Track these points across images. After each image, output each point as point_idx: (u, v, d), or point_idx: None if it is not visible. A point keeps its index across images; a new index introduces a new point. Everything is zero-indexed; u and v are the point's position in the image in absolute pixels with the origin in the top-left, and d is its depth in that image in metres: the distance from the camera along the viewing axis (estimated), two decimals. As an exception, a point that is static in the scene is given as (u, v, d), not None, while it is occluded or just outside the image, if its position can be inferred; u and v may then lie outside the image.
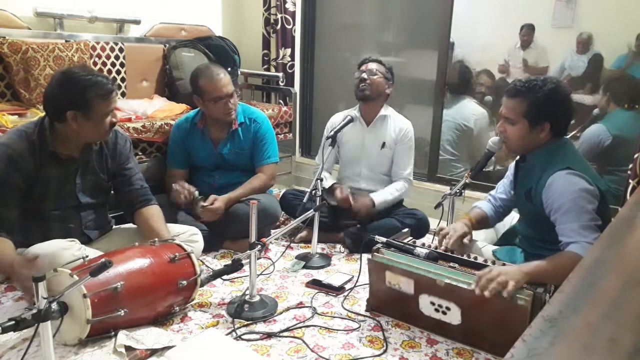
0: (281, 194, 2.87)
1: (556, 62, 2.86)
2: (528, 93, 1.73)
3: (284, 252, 2.47)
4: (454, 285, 1.65)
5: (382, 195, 2.56)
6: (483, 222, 2.05)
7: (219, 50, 3.38)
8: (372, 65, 2.59)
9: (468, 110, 3.18)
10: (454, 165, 3.26)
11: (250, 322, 1.82)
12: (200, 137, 2.58)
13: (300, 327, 1.80)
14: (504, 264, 1.70)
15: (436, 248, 1.86)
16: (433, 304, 1.72)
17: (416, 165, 3.32)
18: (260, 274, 2.22)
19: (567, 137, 1.85)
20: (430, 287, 1.71)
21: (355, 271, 2.16)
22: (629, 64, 2.61)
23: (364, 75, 2.56)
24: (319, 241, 2.47)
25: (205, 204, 2.36)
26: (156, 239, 1.88)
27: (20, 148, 1.79)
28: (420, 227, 2.46)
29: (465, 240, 1.90)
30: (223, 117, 2.51)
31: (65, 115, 1.78)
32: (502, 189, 2.09)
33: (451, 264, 1.74)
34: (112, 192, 2.12)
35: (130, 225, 2.15)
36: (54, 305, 1.37)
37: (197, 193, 2.38)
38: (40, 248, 1.77)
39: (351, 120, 2.48)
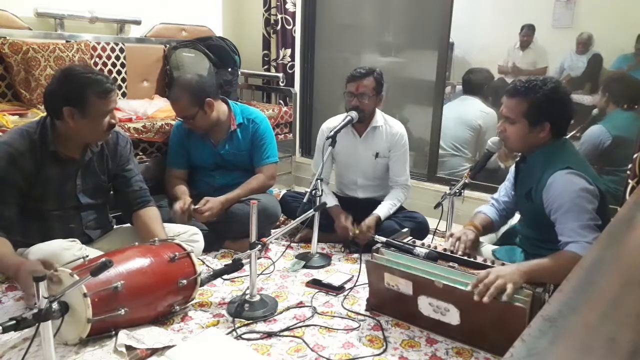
0: (281, 194, 2.87)
1: (556, 62, 2.87)
2: (528, 93, 1.73)
3: (284, 251, 2.47)
4: (452, 287, 1.65)
5: (385, 209, 2.52)
6: (488, 227, 2.04)
7: (219, 51, 3.38)
8: (364, 85, 2.44)
9: (477, 108, 3.18)
10: (460, 163, 3.25)
11: (251, 321, 1.82)
12: (199, 138, 2.58)
13: (300, 327, 1.81)
14: (503, 264, 1.71)
15: (435, 248, 1.86)
16: (432, 305, 1.73)
17: (416, 165, 3.34)
18: (261, 273, 2.23)
19: (567, 137, 1.85)
20: (429, 289, 1.71)
21: (355, 271, 2.16)
22: (633, 66, 2.61)
23: (356, 103, 2.46)
24: (319, 241, 2.47)
25: (196, 206, 2.35)
26: (156, 239, 1.88)
27: (21, 147, 1.79)
28: (420, 230, 2.45)
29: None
30: None
31: (62, 111, 1.77)
32: (504, 191, 2.09)
33: (450, 264, 1.75)
34: (112, 192, 2.12)
35: (131, 225, 2.15)
36: (55, 305, 1.37)
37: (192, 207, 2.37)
38: (41, 248, 1.77)
39: (351, 121, 2.47)
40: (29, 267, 1.58)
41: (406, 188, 2.65)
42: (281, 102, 3.70)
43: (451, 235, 1.95)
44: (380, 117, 2.61)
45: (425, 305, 1.74)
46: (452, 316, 1.69)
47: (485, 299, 1.54)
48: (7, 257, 1.69)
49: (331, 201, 2.57)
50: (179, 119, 2.60)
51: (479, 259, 1.76)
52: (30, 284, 1.32)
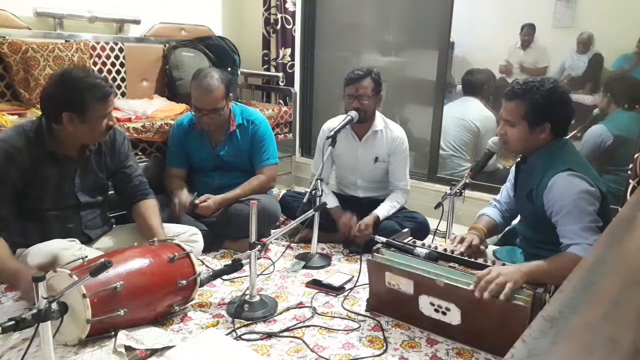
0: (281, 194, 2.87)
1: (556, 62, 2.86)
2: (526, 95, 1.72)
3: (284, 252, 2.47)
4: (454, 286, 1.64)
5: (385, 210, 2.52)
6: (493, 230, 2.03)
7: (219, 50, 3.38)
8: (362, 86, 2.44)
9: (476, 110, 3.18)
10: (459, 164, 3.25)
11: (250, 322, 1.82)
12: (198, 138, 2.58)
13: (300, 327, 1.80)
14: (504, 264, 1.70)
15: (436, 248, 1.86)
16: (433, 304, 1.72)
17: (416, 165, 3.34)
18: (260, 274, 2.22)
19: (568, 137, 1.85)
20: (430, 288, 1.71)
21: (355, 271, 2.16)
22: (634, 66, 2.60)
23: (357, 105, 2.45)
24: (319, 241, 2.46)
25: (197, 201, 2.37)
26: (155, 239, 1.87)
27: (18, 144, 1.79)
28: (420, 231, 2.44)
29: (482, 247, 1.90)
30: (200, 125, 2.52)
31: (61, 116, 1.77)
32: (505, 192, 2.08)
33: (451, 264, 1.74)
34: (113, 190, 2.12)
35: (130, 224, 2.16)
36: (54, 305, 1.37)
37: (193, 197, 2.39)
38: (41, 248, 1.76)
39: (352, 120, 2.46)
40: (29, 275, 1.57)
41: (406, 193, 2.65)
42: (281, 101, 3.70)
43: (456, 237, 1.93)
44: (380, 121, 2.60)
45: (426, 304, 1.74)
46: (453, 316, 1.69)
47: (486, 294, 1.53)
48: (3, 262, 1.68)
49: (332, 202, 2.57)
50: (191, 112, 2.53)
51: (480, 260, 1.75)
52: (31, 289, 1.31)
